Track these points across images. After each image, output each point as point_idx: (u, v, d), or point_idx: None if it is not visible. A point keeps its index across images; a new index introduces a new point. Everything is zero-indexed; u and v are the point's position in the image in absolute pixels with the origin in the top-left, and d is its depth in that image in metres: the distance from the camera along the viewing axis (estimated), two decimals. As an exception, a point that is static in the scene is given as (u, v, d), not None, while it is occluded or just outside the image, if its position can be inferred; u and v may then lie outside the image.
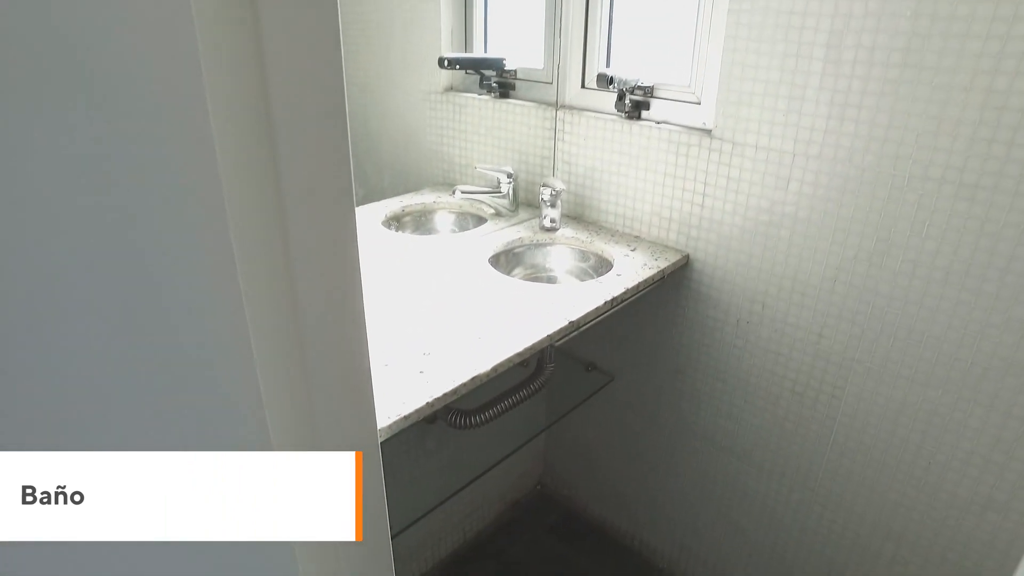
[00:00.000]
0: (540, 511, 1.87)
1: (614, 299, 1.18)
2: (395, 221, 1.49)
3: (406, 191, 1.56)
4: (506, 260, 1.42)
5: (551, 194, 1.43)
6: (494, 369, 0.94)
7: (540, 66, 1.51)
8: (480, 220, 1.55)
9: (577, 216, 1.53)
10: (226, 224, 0.39)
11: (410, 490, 1.44)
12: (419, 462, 1.46)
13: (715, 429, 1.46)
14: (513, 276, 1.40)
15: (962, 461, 1.12)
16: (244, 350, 0.45)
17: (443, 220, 1.58)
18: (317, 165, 0.46)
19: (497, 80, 1.53)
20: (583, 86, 1.45)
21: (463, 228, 1.56)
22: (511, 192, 1.53)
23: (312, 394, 0.56)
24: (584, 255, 1.43)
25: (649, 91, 1.35)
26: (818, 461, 1.31)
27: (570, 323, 1.08)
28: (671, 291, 1.42)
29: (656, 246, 1.39)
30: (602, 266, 1.38)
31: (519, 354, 0.99)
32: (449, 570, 1.65)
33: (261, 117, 0.40)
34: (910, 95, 0.99)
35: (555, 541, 1.78)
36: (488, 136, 1.57)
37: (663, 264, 1.31)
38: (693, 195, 1.30)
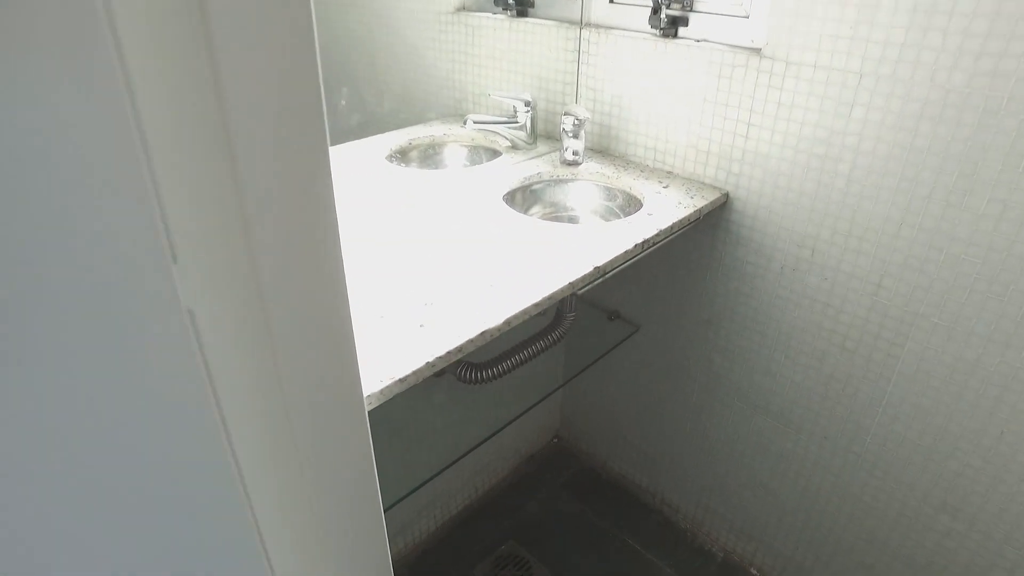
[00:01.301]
0: (556, 466, 1.78)
1: (645, 241, 1.03)
2: (400, 155, 1.35)
3: (413, 123, 1.41)
4: (523, 198, 1.28)
5: (574, 124, 1.27)
6: (507, 322, 0.82)
7: (563, -24, 1.32)
8: (495, 154, 1.40)
9: (602, 149, 1.37)
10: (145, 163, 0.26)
11: (416, 449, 1.34)
12: (426, 418, 1.35)
13: (749, 386, 1.34)
14: (531, 215, 1.26)
15: (1038, 430, 0.98)
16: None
17: (454, 154, 1.43)
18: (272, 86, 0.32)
19: (514, -6, 1.35)
20: (612, 0, 1.27)
21: (475, 163, 1.41)
22: (529, 122, 1.37)
23: (280, 360, 0.44)
24: (610, 192, 1.28)
25: (688, 3, 1.17)
26: (866, 425, 1.18)
27: (595, 269, 0.94)
28: (707, 233, 1.27)
29: (692, 183, 1.23)
30: (630, 205, 1.23)
31: (536, 304, 0.86)
32: (460, 528, 1.58)
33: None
34: (1017, -5, 0.81)
35: (571, 497, 1.69)
36: (504, 60, 1.40)
37: (700, 203, 1.15)
38: (736, 124, 1.14)
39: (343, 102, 1.17)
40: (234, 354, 0.39)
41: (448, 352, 0.75)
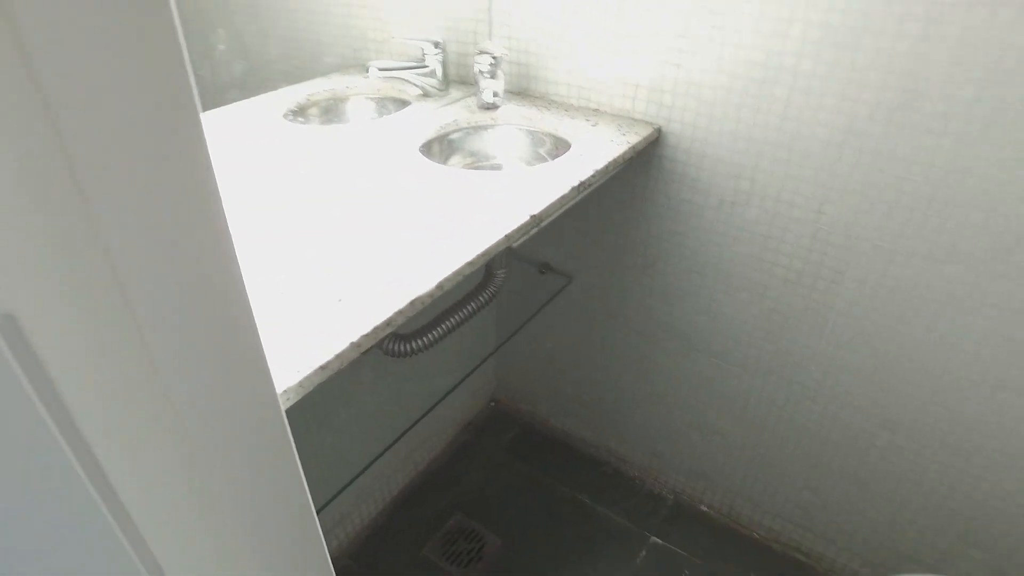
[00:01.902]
0: (496, 430, 1.72)
1: (581, 184, 0.95)
2: (299, 113, 1.19)
3: (309, 76, 1.25)
4: (440, 148, 1.16)
5: (490, 63, 1.16)
6: (439, 286, 0.71)
7: None
8: (404, 104, 1.26)
9: (522, 91, 1.27)
10: None
11: (349, 436, 1.23)
12: (355, 401, 1.24)
13: (690, 327, 1.31)
14: (450, 167, 1.15)
15: (976, 342, 1.00)
16: None
17: (359, 108, 1.29)
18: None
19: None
20: (520, -81, 1.15)
21: (385, 115, 1.27)
22: (440, 66, 1.25)
23: (158, 364, 0.32)
24: (535, 136, 1.18)
25: (605, -80, 1.07)
26: (810, 355, 1.17)
27: (532, 217, 0.85)
28: (639, 173, 1.20)
29: (621, 119, 1.16)
30: (559, 148, 1.14)
31: (470, 263, 0.76)
32: (403, 509, 1.49)
33: None
34: None
35: (515, 460, 1.64)
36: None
37: (633, 139, 1.08)
38: (667, 52, 1.06)
39: (221, 46, 1.00)
40: (87, 364, 0.28)
41: (375, 328, 0.64)
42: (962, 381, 1.04)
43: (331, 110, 1.24)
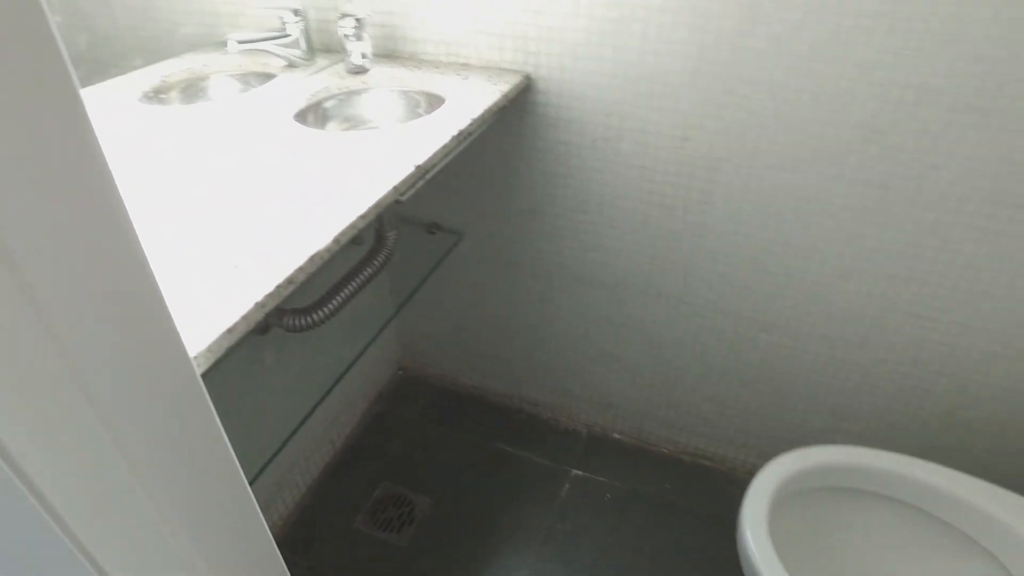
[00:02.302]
0: (408, 397, 1.73)
1: (461, 133, 0.97)
2: (156, 96, 1.12)
3: (166, 55, 1.18)
4: (315, 118, 1.14)
5: (354, 26, 1.14)
6: (336, 241, 0.71)
7: None
8: (270, 78, 1.22)
9: (389, 53, 1.26)
10: None
11: (259, 422, 1.20)
12: (261, 385, 1.21)
13: (582, 265, 1.37)
14: (328, 128, 1.13)
15: (825, 239, 1.12)
16: None
17: (223, 86, 1.23)
18: None
19: None
20: None
21: (249, 88, 1.23)
22: (302, 35, 1.21)
23: (64, 343, 0.32)
24: (409, 95, 1.18)
25: None
26: (693, 272, 1.27)
27: (417, 168, 0.86)
28: (514, 122, 1.23)
29: (491, 71, 1.18)
30: (434, 104, 1.15)
31: (363, 216, 0.76)
32: (327, 488, 1.48)
33: None
34: None
35: (431, 422, 1.66)
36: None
37: (504, 87, 1.11)
38: (527, 1, 1.09)
39: (57, 18, 0.92)
40: None
41: (278, 287, 0.63)
42: (820, 275, 1.17)
43: (191, 89, 1.18)
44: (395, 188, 0.82)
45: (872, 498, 1.05)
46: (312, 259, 0.67)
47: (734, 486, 1.49)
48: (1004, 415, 1.18)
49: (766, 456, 1.43)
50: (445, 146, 0.93)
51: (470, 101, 1.05)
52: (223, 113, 1.04)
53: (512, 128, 1.24)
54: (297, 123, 1.03)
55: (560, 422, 1.66)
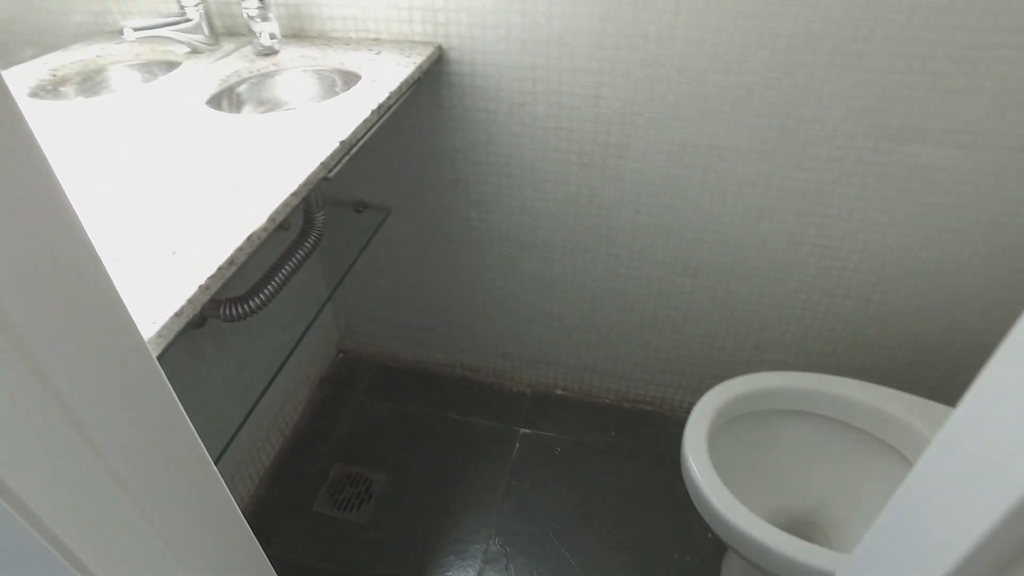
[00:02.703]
0: (351, 378, 1.74)
1: (380, 106, 0.98)
2: (47, 91, 1.07)
3: (52, 48, 1.12)
4: (229, 103, 1.11)
5: (258, 6, 1.12)
6: (271, 220, 0.72)
7: None
8: (174, 66, 1.18)
9: (297, 33, 1.24)
10: None
11: (204, 417, 1.19)
12: (201, 379, 1.20)
13: (510, 229, 1.41)
14: (243, 111, 1.11)
15: (736, 183, 1.20)
16: None
17: (122, 77, 1.18)
18: None
19: None
20: None
21: (153, 78, 1.19)
22: (203, 18, 1.18)
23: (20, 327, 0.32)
24: (323, 74, 1.18)
25: None
26: (617, 226, 1.33)
27: (342, 143, 0.87)
28: (431, 95, 1.25)
29: (402, 44, 1.19)
30: (349, 81, 1.14)
31: (295, 194, 0.76)
32: (280, 476, 1.48)
33: None
34: None
35: (378, 400, 1.67)
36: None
37: (418, 59, 1.12)
38: (430, -32, 1.10)
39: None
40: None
41: (220, 268, 0.64)
42: (733, 218, 1.25)
43: (88, 83, 1.13)
44: (323, 164, 0.82)
45: (795, 415, 1.15)
46: (250, 239, 0.68)
47: (675, 425, 1.58)
48: (900, 329, 1.30)
49: (701, 393, 1.53)
50: (367, 120, 0.94)
51: (385, 75, 1.06)
52: (131, 104, 1.01)
53: (429, 100, 1.25)
54: (211, 109, 1.01)
55: (504, 385, 1.71)
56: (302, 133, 0.89)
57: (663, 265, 1.36)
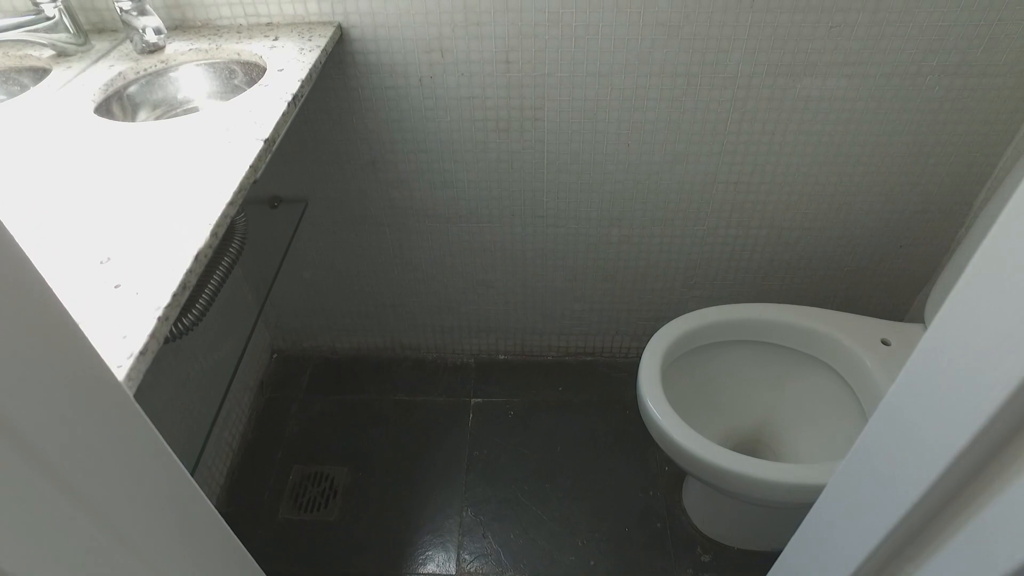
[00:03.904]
0: (290, 378, 1.69)
1: (295, 96, 0.93)
2: None
3: None
4: (122, 110, 1.03)
5: (129, 3, 1.03)
6: (214, 234, 0.68)
7: None
8: (41, 72, 1.07)
9: (180, 24, 1.15)
10: None
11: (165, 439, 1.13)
12: (145, 406, 1.13)
13: (435, 203, 1.40)
14: (137, 118, 1.03)
15: (650, 132, 1.24)
16: None
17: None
18: None
19: None
20: None
21: (19, 87, 1.07)
22: (62, 14, 1.06)
23: None
24: (220, 67, 1.10)
25: None
26: (540, 187, 1.34)
27: (265, 142, 0.83)
28: (336, 76, 1.20)
29: (299, 26, 1.13)
30: (251, 71, 1.08)
31: (231, 203, 0.73)
32: (238, 489, 1.43)
33: None
34: None
35: (322, 395, 1.64)
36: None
37: (320, 42, 1.07)
38: (318, -56, 1.05)
39: None
40: None
41: (174, 295, 0.60)
42: (651, 165, 1.30)
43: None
44: (252, 168, 0.78)
45: (732, 344, 1.23)
46: (197, 258, 0.64)
47: (618, 370, 1.65)
48: (808, 249, 1.41)
49: (638, 337, 1.60)
50: (284, 113, 0.89)
51: (291, 63, 1.01)
52: (5, 121, 0.91)
53: (334, 82, 1.20)
54: (103, 119, 0.92)
55: (447, 359, 1.72)
56: (218, 136, 0.84)
57: (589, 220, 1.40)
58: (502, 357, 1.71)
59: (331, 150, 1.31)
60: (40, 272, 0.33)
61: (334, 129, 1.27)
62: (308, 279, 1.57)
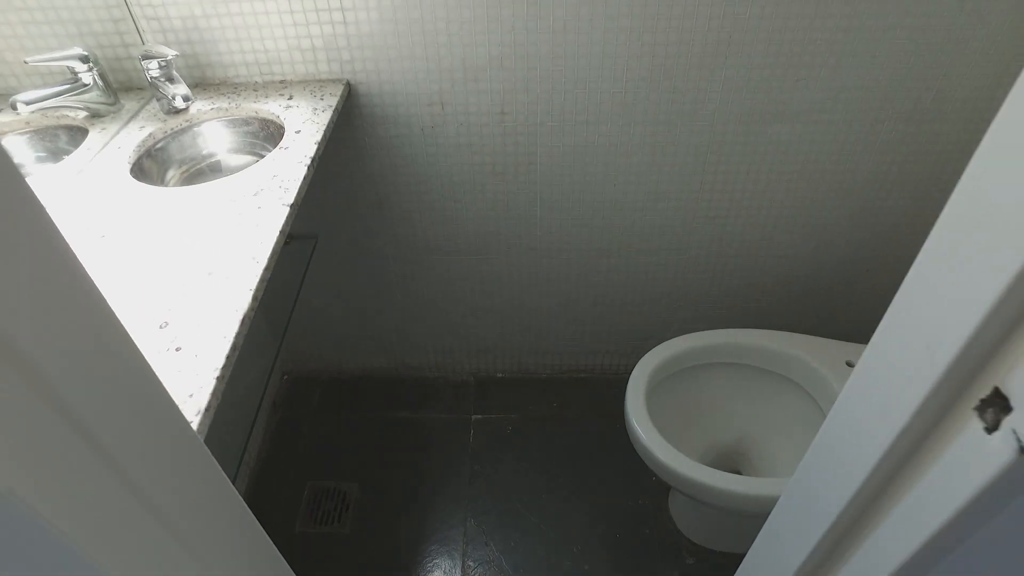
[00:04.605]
0: (300, 397, 1.79)
1: (313, 159, 1.04)
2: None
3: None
4: (155, 166, 1.12)
5: (161, 66, 1.13)
6: (255, 298, 0.78)
7: None
8: (78, 132, 1.16)
9: (199, 82, 1.25)
10: None
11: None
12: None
13: (436, 239, 1.50)
14: (168, 181, 1.13)
15: (635, 173, 1.35)
16: None
17: (19, 149, 1.16)
18: None
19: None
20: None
21: (59, 148, 1.16)
22: (99, 80, 1.16)
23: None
24: (240, 123, 1.20)
25: None
26: (533, 222, 1.45)
27: (291, 206, 0.93)
28: (345, 127, 1.30)
29: (311, 84, 1.23)
30: (269, 129, 1.19)
31: (267, 268, 0.83)
32: (258, 504, 1.52)
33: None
34: None
35: (332, 414, 1.74)
36: (24, 14, 1.12)
37: (332, 101, 1.17)
38: (330, 12, 1.15)
39: None
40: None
41: (227, 357, 0.71)
42: (636, 203, 1.41)
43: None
44: (281, 232, 0.89)
45: (713, 367, 1.35)
46: (243, 321, 0.75)
47: (609, 387, 1.76)
48: (783, 275, 1.53)
49: (627, 355, 1.71)
50: (305, 177, 1.00)
51: (306, 123, 1.11)
52: (52, 184, 1.01)
53: (344, 132, 1.31)
54: (141, 184, 1.02)
55: (448, 377, 1.83)
56: (249, 201, 0.94)
57: (580, 250, 1.51)
58: (500, 375, 1.82)
59: (341, 191, 1.41)
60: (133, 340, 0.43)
61: (343, 173, 1.38)
62: (316, 306, 1.67)
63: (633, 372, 1.26)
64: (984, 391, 0.32)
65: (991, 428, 0.31)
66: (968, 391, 0.34)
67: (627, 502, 1.51)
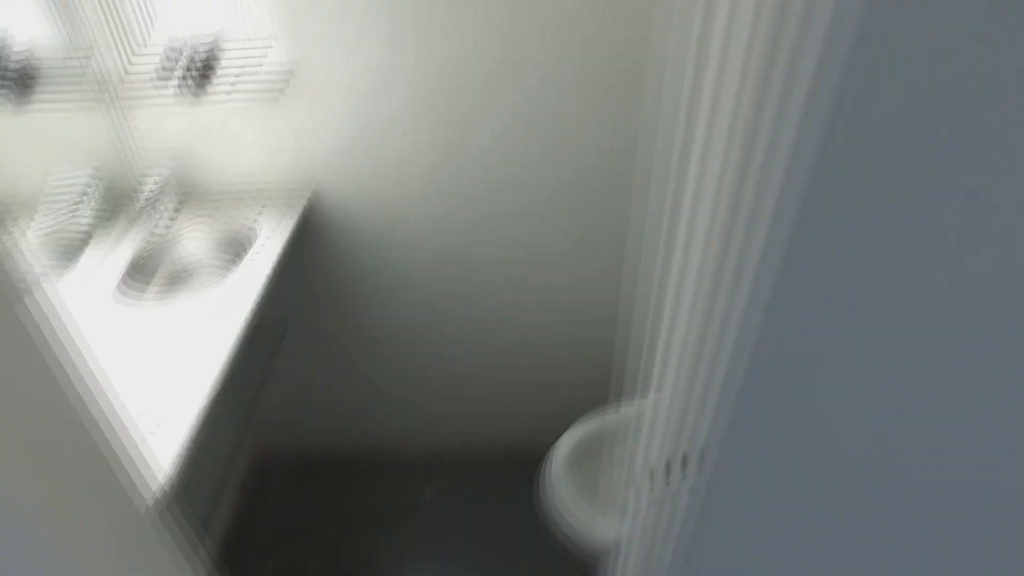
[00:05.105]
0: (265, 478, 1.90)
1: (275, 266, 1.21)
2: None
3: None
4: (143, 275, 1.26)
5: (151, 189, 1.31)
6: (214, 392, 0.95)
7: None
8: (75, 249, 1.30)
9: (188, 191, 1.43)
10: None
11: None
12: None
13: (398, 328, 1.67)
14: (151, 290, 1.27)
15: (559, 262, 1.55)
16: None
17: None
18: None
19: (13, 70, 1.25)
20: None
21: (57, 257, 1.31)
22: (96, 201, 1.31)
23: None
24: (216, 233, 1.37)
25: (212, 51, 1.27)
26: (476, 311, 1.65)
27: (248, 320, 1.09)
28: (312, 229, 1.48)
29: (282, 192, 1.42)
30: (239, 235, 1.34)
31: (224, 371, 0.99)
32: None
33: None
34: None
35: (297, 492, 1.86)
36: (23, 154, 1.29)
37: (299, 208, 1.37)
38: (298, 134, 1.35)
39: None
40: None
41: (198, 427, 0.87)
42: (555, 286, 1.59)
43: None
44: (240, 341, 1.05)
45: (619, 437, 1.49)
46: (204, 409, 0.91)
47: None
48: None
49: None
50: (269, 277, 1.17)
51: (275, 229, 1.30)
52: (59, 297, 1.17)
53: (309, 233, 1.49)
54: (128, 299, 1.17)
55: (406, 453, 1.94)
56: (218, 308, 1.11)
57: (515, 332, 1.70)
58: (451, 455, 1.94)
59: (304, 283, 1.59)
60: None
61: (308, 268, 1.55)
62: (274, 395, 1.81)
63: (553, 451, 1.40)
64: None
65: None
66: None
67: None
